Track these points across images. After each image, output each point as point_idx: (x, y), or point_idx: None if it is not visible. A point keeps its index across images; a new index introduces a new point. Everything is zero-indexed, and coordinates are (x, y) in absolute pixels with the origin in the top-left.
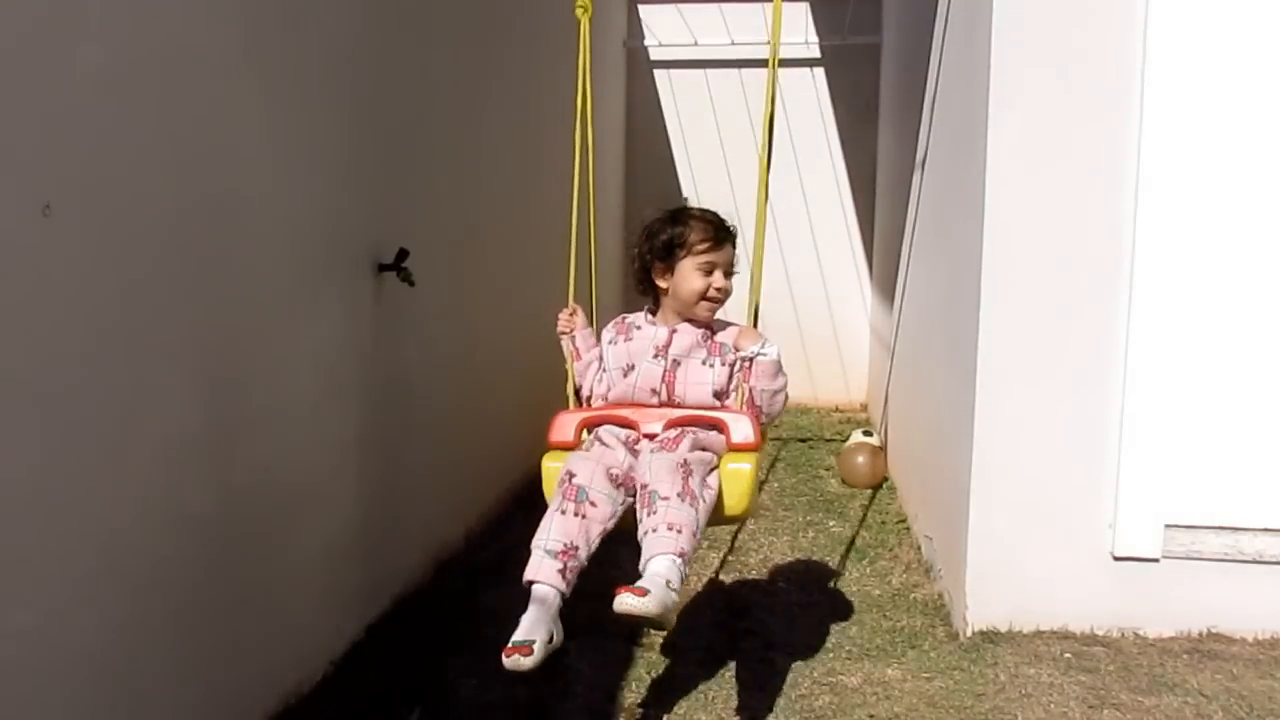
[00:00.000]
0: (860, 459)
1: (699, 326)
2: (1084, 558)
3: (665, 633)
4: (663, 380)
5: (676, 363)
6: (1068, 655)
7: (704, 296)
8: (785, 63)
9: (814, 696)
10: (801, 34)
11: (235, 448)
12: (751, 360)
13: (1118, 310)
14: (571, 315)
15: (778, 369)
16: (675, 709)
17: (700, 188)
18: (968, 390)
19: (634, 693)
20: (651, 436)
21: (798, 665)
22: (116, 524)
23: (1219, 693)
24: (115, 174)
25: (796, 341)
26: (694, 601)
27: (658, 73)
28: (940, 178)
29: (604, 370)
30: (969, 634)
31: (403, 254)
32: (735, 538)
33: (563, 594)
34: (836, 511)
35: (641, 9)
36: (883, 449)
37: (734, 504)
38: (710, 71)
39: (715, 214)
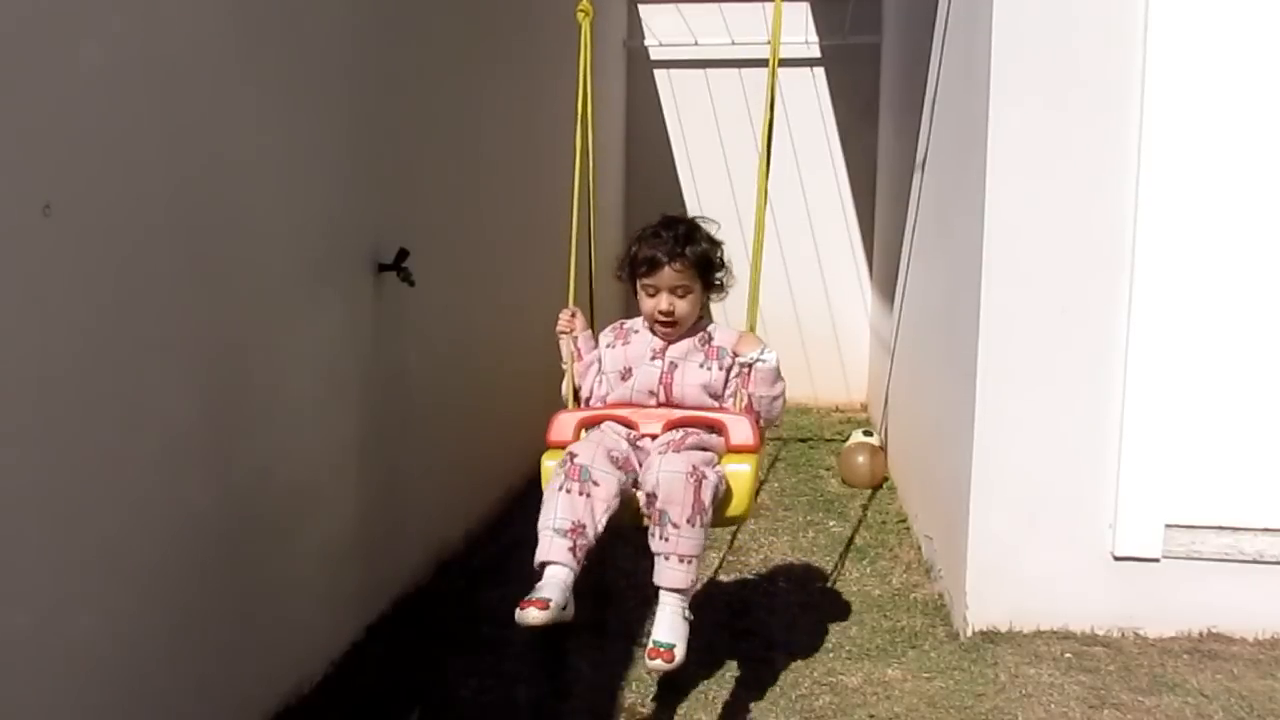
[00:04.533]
0: (860, 459)
1: (695, 331)
2: (1084, 558)
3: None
4: (660, 381)
5: (674, 364)
6: (1068, 655)
7: (652, 319)
8: (785, 63)
9: (814, 696)
10: (801, 34)
11: (235, 448)
12: (751, 367)
13: (1118, 310)
14: (572, 317)
15: (776, 375)
16: (675, 709)
17: (700, 188)
18: (968, 390)
19: (634, 693)
20: (652, 436)
21: (798, 665)
22: (116, 524)
23: (1219, 693)
24: (115, 174)
25: (796, 341)
26: (694, 601)
27: (658, 73)
28: (940, 177)
29: (602, 373)
30: (969, 634)
31: (403, 254)
32: (735, 538)
33: (574, 571)
34: (836, 511)
35: (641, 9)
36: (883, 449)
37: (734, 507)
38: (710, 71)
39: (670, 229)
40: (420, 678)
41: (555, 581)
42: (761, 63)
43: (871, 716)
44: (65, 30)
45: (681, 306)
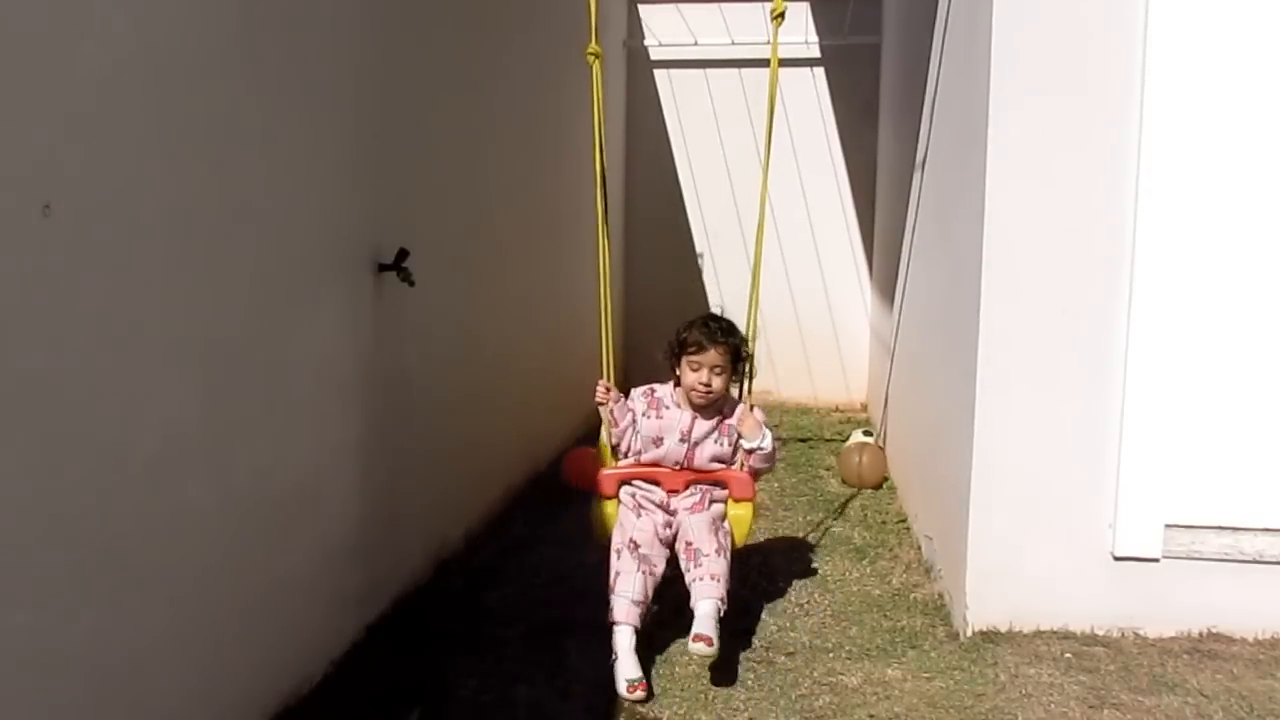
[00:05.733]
0: (860, 459)
1: (712, 415)
2: (1084, 558)
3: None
4: (685, 455)
5: (697, 442)
6: (1068, 655)
7: (692, 389)
8: (785, 63)
9: (814, 696)
10: (801, 34)
11: (235, 448)
12: (751, 452)
13: (1118, 310)
14: (606, 390)
15: (771, 455)
16: (675, 709)
17: (700, 188)
18: (968, 390)
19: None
20: (674, 491)
21: (798, 665)
22: (116, 524)
23: (1219, 693)
24: (115, 174)
25: (796, 341)
26: None
27: (658, 73)
28: (940, 178)
29: (637, 433)
30: (969, 634)
31: (403, 254)
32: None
33: (638, 631)
34: (836, 511)
35: (641, 9)
36: (882, 449)
37: (736, 539)
38: (710, 71)
39: (716, 322)
40: (420, 678)
41: (631, 649)
42: (761, 63)
43: (871, 716)
44: (65, 30)
45: (717, 383)
